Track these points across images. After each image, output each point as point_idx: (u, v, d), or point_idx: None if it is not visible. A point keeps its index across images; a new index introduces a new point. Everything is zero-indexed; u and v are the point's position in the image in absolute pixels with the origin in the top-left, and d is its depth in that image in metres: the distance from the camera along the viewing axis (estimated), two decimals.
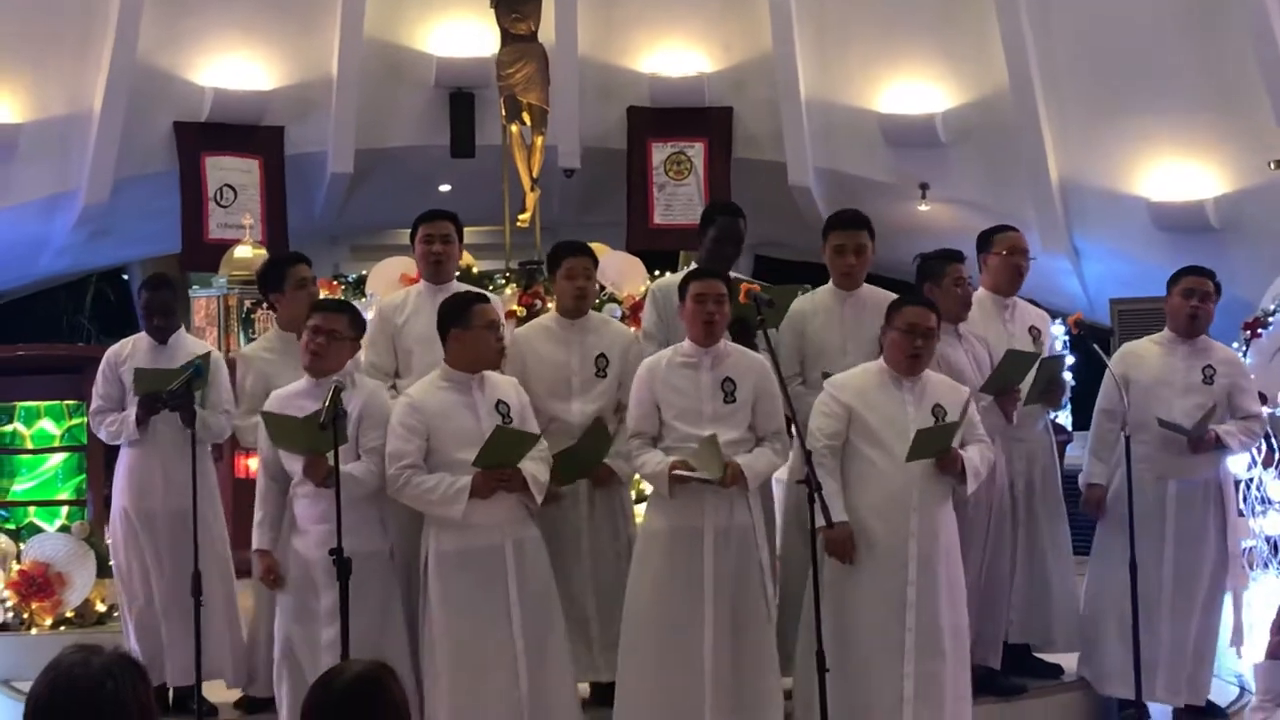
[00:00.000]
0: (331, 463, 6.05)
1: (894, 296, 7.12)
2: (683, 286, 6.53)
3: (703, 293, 6.40)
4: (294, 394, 6.48)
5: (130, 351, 7.30)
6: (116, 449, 7.43)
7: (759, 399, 6.43)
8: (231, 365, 7.51)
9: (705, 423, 6.33)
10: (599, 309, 9.76)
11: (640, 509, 7.06)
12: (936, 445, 6.26)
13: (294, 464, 6.38)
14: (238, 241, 12.94)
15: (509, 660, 6.13)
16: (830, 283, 7.22)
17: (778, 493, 7.36)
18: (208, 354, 7.20)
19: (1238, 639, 7.64)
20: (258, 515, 6.49)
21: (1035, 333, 7.46)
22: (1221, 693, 7.64)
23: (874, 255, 7.22)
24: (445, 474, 6.15)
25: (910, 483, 6.28)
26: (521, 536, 6.26)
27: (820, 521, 5.89)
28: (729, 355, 6.47)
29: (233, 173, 15.12)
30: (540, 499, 6.27)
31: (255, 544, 6.49)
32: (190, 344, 7.43)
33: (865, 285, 7.19)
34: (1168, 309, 7.50)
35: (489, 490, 6.11)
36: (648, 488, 6.85)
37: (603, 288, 11.11)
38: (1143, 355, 7.40)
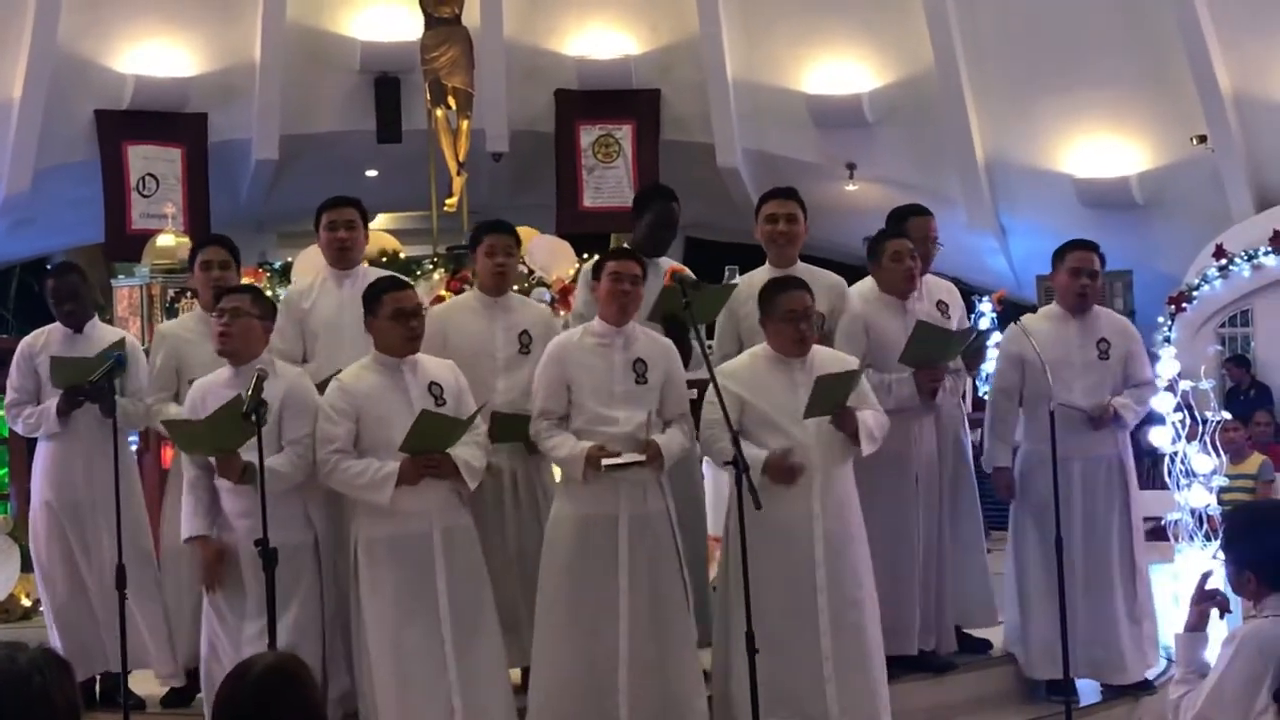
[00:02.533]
0: (247, 457, 5.97)
1: (832, 275, 7.13)
2: (598, 266, 6.53)
3: (618, 271, 6.38)
4: (216, 384, 6.39)
5: (45, 342, 7.19)
6: (37, 441, 7.33)
7: (668, 382, 6.44)
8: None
9: (616, 402, 6.32)
10: (527, 293, 9.72)
11: None
12: (834, 396, 6.23)
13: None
14: (161, 231, 12.80)
15: (436, 648, 6.08)
16: (766, 263, 7.21)
17: (709, 473, 7.35)
18: (122, 340, 7.10)
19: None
20: (190, 504, 6.32)
21: (943, 306, 7.43)
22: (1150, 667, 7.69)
23: (806, 232, 7.21)
24: (373, 459, 6.10)
25: (810, 464, 6.27)
26: (451, 524, 6.19)
27: (749, 502, 5.86)
28: (639, 338, 6.46)
29: (155, 161, 15.01)
30: (473, 484, 6.21)
31: (192, 532, 6.29)
32: (106, 333, 7.31)
33: (801, 263, 7.18)
34: (1055, 285, 7.45)
35: (416, 476, 6.06)
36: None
37: (531, 271, 11.06)
38: (1036, 333, 7.25)
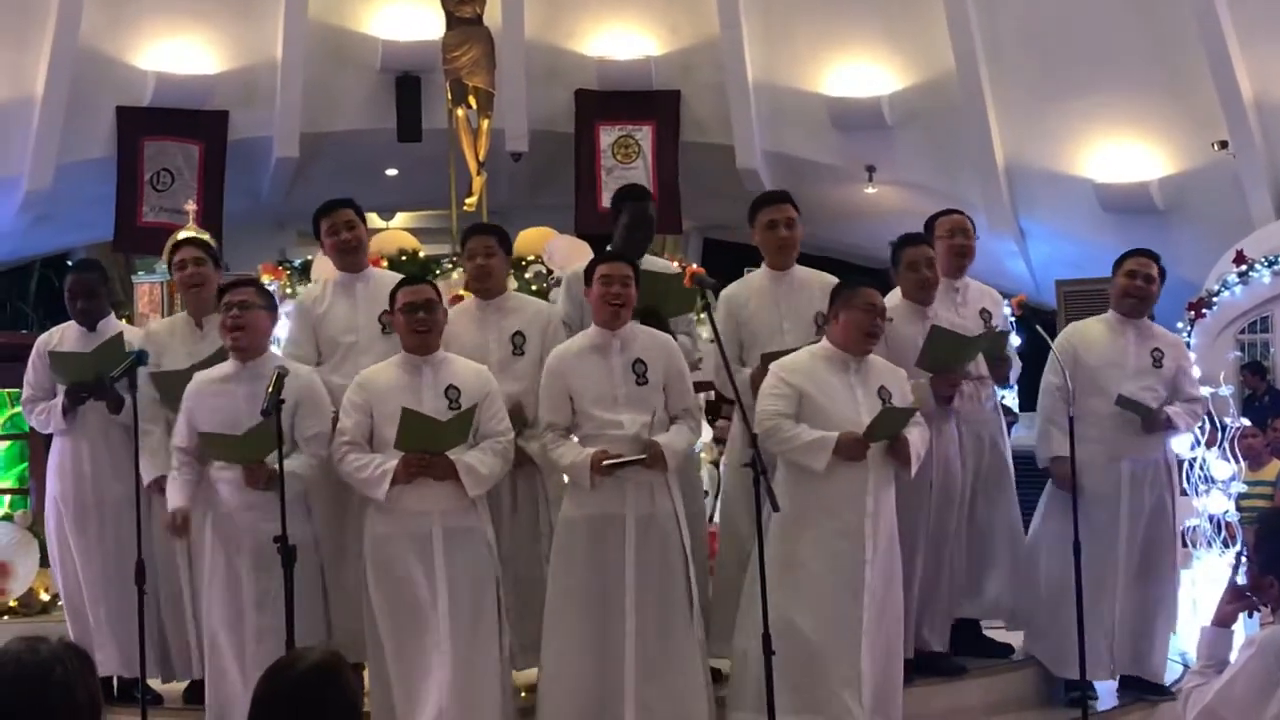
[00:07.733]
0: (273, 463, 5.97)
1: (827, 276, 7.12)
2: (589, 270, 6.51)
3: (608, 274, 6.37)
4: (218, 378, 6.41)
5: (60, 339, 7.19)
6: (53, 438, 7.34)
7: (670, 379, 6.41)
8: None
9: (619, 406, 6.31)
10: (545, 294, 9.73)
11: None
12: (895, 426, 6.30)
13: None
14: (172, 225, 12.81)
15: (432, 647, 6.08)
16: (763, 265, 7.18)
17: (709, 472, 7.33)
18: (120, 335, 7.00)
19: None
20: (179, 481, 6.34)
21: (986, 315, 7.44)
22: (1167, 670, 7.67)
23: (803, 234, 7.20)
24: (378, 455, 6.14)
25: (864, 464, 6.29)
26: (455, 525, 6.18)
27: (766, 504, 5.86)
28: (637, 338, 6.43)
29: (173, 157, 15.03)
30: (474, 491, 6.17)
31: (179, 503, 6.32)
32: (118, 330, 7.32)
33: (798, 266, 7.16)
34: (1112, 290, 7.54)
35: (408, 476, 6.09)
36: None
37: (550, 271, 11.08)
38: (1090, 336, 7.43)
